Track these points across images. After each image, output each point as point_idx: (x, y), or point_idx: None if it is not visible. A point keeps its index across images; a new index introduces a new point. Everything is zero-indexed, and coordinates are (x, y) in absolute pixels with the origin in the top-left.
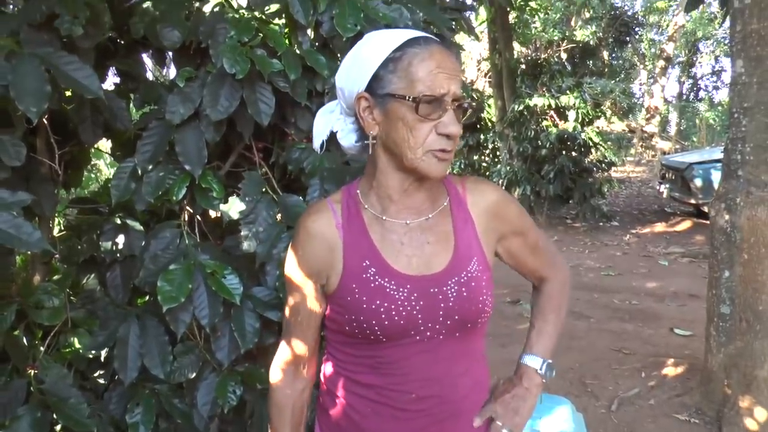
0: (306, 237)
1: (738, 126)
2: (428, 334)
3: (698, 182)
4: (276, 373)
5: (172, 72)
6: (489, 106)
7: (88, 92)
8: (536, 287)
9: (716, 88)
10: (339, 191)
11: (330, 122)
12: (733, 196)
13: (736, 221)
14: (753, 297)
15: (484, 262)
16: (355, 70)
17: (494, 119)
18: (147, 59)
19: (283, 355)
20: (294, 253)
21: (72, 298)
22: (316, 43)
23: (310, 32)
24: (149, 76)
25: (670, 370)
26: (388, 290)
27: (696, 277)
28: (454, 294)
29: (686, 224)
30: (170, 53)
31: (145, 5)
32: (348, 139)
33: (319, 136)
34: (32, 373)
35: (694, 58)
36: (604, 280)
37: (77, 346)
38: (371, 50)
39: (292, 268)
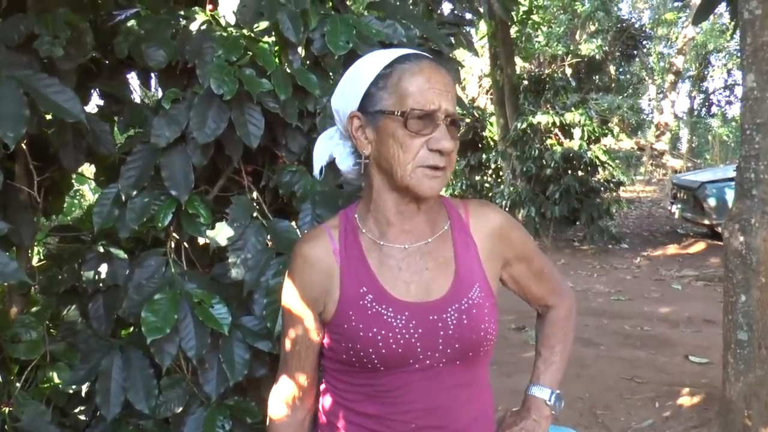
0: (302, 264)
1: (751, 143)
2: (428, 362)
3: (712, 202)
4: (275, 406)
5: (158, 94)
6: (491, 124)
7: (69, 116)
8: (541, 315)
9: (729, 102)
10: (336, 216)
11: (329, 148)
12: (748, 216)
13: (752, 243)
14: None
15: (487, 289)
16: (348, 90)
17: (496, 138)
18: (132, 80)
19: (281, 386)
20: (291, 281)
21: (51, 330)
22: (307, 62)
23: (300, 50)
24: (134, 97)
25: (686, 400)
26: (385, 317)
27: (711, 302)
28: (454, 321)
29: (700, 246)
30: (155, 74)
31: (129, 24)
32: (345, 163)
33: (318, 162)
34: (7, 411)
35: (706, 72)
36: (614, 305)
37: (56, 380)
38: (363, 69)
39: (288, 296)
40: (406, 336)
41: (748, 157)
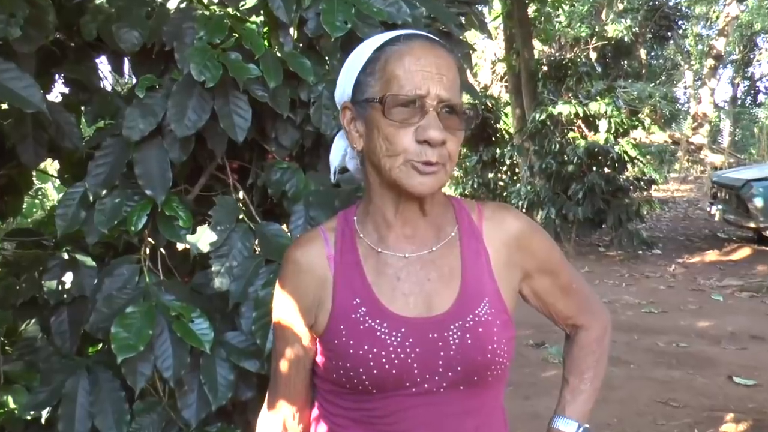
0: (294, 271)
1: None
2: (426, 386)
3: (758, 202)
4: (263, 430)
5: (131, 81)
6: (506, 115)
7: (27, 105)
8: (569, 336)
9: None
10: (335, 217)
11: (344, 146)
12: None
13: None
14: None
15: (499, 304)
16: (342, 79)
17: (512, 130)
18: (101, 65)
19: (270, 408)
20: (281, 289)
21: (7, 348)
22: (300, 45)
23: (292, 32)
24: (104, 85)
25: (730, 428)
26: (378, 334)
27: (758, 315)
28: (457, 341)
29: (744, 252)
30: (128, 58)
31: (98, 1)
32: (352, 162)
33: (333, 163)
34: None
35: (751, 56)
36: (645, 318)
37: (12, 405)
38: (355, 55)
39: (279, 306)
40: (402, 356)
41: None
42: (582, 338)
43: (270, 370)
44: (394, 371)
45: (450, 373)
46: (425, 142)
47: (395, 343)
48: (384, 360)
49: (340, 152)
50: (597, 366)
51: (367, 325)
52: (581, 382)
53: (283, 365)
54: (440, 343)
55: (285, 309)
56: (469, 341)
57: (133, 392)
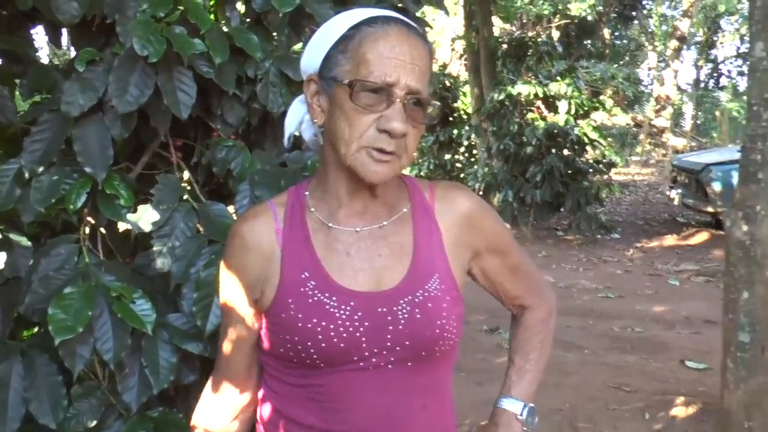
0: (240, 246)
1: (758, 120)
2: (374, 360)
3: (717, 187)
4: (204, 411)
5: (70, 53)
6: (464, 94)
7: None
8: (516, 317)
9: (742, 74)
10: (285, 192)
11: (303, 113)
12: (753, 203)
13: (756, 233)
14: None
15: (450, 281)
16: (312, 50)
17: (470, 111)
18: (37, 36)
19: (214, 385)
20: (225, 264)
21: None
22: (247, 20)
23: (239, 6)
24: (40, 57)
25: (681, 411)
26: (327, 307)
27: (713, 300)
28: (406, 315)
29: (702, 237)
30: (67, 30)
31: None
32: (308, 132)
33: (287, 129)
34: None
35: (715, 38)
36: (601, 303)
37: None
38: (329, 28)
39: (224, 282)
40: (350, 329)
41: (754, 136)
42: (528, 319)
43: (212, 352)
44: (342, 345)
45: (398, 348)
46: (386, 131)
47: (344, 316)
48: (332, 333)
49: (296, 119)
50: (542, 347)
51: (316, 298)
52: (526, 362)
53: (228, 342)
54: (389, 318)
55: (230, 285)
56: (418, 316)
57: (71, 377)
